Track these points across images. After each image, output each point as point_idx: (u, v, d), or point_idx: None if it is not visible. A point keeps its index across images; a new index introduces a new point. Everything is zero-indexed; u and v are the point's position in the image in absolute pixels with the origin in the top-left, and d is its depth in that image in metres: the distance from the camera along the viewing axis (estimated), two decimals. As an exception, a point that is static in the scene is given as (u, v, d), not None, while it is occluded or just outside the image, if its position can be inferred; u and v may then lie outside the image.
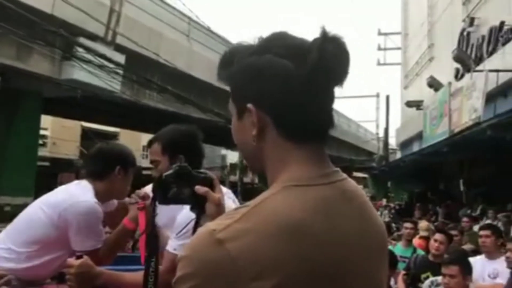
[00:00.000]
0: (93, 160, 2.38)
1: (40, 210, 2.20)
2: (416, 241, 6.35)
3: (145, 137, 27.62)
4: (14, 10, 8.85)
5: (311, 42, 0.87)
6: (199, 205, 1.27)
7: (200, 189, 1.26)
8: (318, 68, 0.85)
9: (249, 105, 0.89)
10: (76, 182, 2.35)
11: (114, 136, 26.15)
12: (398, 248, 5.96)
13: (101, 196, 2.28)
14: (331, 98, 0.91)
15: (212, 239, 0.79)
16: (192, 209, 1.29)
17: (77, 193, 2.22)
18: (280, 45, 0.89)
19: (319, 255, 0.81)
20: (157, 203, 1.39)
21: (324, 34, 0.86)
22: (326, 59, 0.85)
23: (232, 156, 34.87)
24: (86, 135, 23.92)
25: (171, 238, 1.87)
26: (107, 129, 24.60)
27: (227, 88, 0.97)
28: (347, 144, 30.40)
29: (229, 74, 0.94)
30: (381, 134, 32.50)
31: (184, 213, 1.68)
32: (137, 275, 1.75)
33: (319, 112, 0.89)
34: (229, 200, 1.78)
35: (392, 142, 29.68)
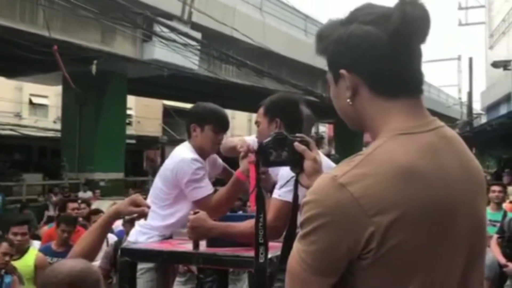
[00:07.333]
0: None
1: (162, 176, 2.54)
2: (507, 205, 6.19)
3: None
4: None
5: (392, 7, 0.98)
6: (297, 165, 1.40)
7: (298, 146, 1.39)
8: (400, 28, 0.94)
9: (341, 71, 1.00)
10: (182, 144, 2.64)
11: (193, 113, 26.85)
12: (488, 212, 5.81)
13: (197, 152, 2.51)
14: (418, 55, 1.00)
15: (335, 183, 0.90)
16: (292, 169, 1.43)
17: (177, 153, 2.53)
18: (364, 13, 1.00)
19: (429, 195, 0.91)
20: (260, 166, 1.53)
21: None
22: (407, 20, 0.94)
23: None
24: (168, 113, 24.85)
25: (275, 188, 2.02)
26: (187, 106, 25.34)
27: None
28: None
29: (323, 47, 1.05)
30: (464, 98, 30.95)
31: (286, 170, 1.82)
32: (248, 224, 1.90)
33: (407, 68, 0.98)
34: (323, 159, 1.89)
35: (476, 106, 28.19)
